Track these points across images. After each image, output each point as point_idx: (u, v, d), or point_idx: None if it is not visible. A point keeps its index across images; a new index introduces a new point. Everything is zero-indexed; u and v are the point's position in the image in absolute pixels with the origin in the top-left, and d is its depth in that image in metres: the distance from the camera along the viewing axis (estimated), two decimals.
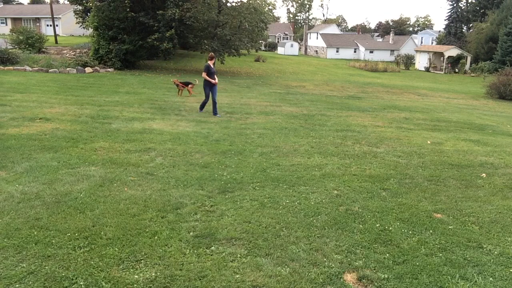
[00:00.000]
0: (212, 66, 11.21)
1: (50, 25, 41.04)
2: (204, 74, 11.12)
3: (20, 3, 64.81)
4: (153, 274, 3.58)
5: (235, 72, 28.05)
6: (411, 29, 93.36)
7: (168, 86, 17.49)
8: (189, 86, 14.93)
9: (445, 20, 60.27)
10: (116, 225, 4.39)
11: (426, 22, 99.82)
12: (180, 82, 14.94)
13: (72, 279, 3.46)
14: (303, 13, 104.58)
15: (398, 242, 4.39)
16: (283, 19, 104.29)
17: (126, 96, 13.76)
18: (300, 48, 68.88)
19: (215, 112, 11.33)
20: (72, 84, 15.90)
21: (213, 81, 11.09)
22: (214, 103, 11.34)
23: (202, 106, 11.73)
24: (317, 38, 65.51)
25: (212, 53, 11.72)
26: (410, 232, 4.65)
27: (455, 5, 58.62)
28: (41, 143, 7.32)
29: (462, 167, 7.39)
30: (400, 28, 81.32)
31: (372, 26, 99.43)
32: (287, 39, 72.35)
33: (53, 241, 4.01)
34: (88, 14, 28.01)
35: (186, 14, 22.43)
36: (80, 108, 10.91)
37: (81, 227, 4.31)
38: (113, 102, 12.28)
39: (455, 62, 44.91)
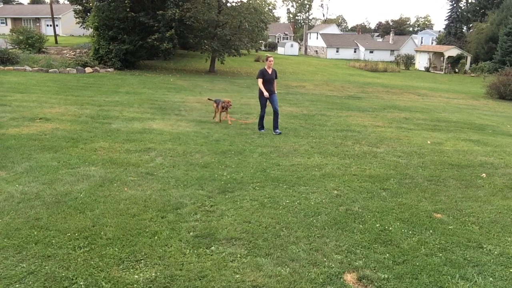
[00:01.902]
0: (268, 70, 9.01)
1: (50, 25, 41.04)
2: (259, 82, 8.94)
3: (20, 3, 64.83)
4: (153, 274, 3.58)
5: (235, 72, 28.05)
6: (411, 29, 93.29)
7: (168, 86, 17.51)
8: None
9: (445, 20, 60.37)
10: (116, 225, 4.39)
11: (426, 22, 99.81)
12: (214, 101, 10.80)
13: (72, 279, 3.46)
14: (303, 13, 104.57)
15: (398, 242, 4.39)
16: (283, 19, 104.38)
17: (126, 96, 13.77)
18: (300, 48, 68.84)
19: (275, 126, 9.23)
20: (72, 84, 15.90)
21: (265, 92, 8.83)
22: (276, 114, 9.22)
23: (260, 122, 9.43)
24: (317, 38, 65.49)
25: (268, 55, 9.32)
26: (410, 232, 4.65)
27: (455, 5, 58.61)
28: (41, 143, 7.32)
29: (462, 167, 7.39)
30: (400, 28, 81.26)
31: (372, 26, 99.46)
32: (287, 39, 72.30)
33: (53, 241, 4.01)
34: (88, 14, 28.04)
35: (186, 14, 22.47)
36: (80, 108, 10.91)
37: (81, 227, 4.31)
38: (113, 102, 12.28)
39: (455, 62, 44.90)
